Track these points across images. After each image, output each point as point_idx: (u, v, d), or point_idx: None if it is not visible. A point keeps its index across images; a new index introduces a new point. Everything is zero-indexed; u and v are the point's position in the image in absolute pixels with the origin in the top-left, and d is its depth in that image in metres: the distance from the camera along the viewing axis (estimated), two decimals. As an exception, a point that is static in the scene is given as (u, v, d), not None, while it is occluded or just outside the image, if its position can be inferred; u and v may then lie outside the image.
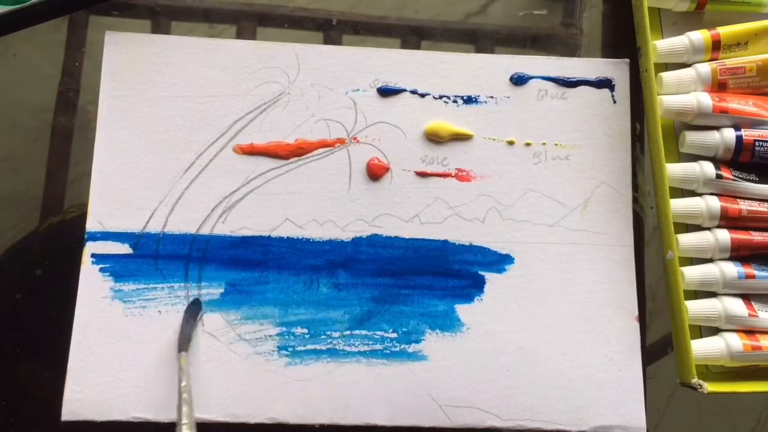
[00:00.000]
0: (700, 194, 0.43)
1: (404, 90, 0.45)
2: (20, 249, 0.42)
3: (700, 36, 0.44)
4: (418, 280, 0.42)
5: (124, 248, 0.41)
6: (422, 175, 0.44)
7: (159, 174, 0.42)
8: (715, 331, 0.42)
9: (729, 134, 0.42)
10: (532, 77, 0.45)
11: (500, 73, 0.45)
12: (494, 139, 0.44)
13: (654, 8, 0.46)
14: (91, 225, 0.41)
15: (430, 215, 0.43)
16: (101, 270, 0.41)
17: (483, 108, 0.45)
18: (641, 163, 0.46)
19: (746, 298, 0.42)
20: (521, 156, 0.44)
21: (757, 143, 0.42)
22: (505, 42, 0.48)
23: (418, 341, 0.42)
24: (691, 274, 0.41)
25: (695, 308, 0.41)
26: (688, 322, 0.41)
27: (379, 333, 0.41)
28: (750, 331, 0.41)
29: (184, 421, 0.36)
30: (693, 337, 0.41)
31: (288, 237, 0.42)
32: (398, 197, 0.43)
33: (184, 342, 0.39)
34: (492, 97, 0.45)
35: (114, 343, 0.40)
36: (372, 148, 0.44)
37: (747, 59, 0.43)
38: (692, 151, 0.43)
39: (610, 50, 0.48)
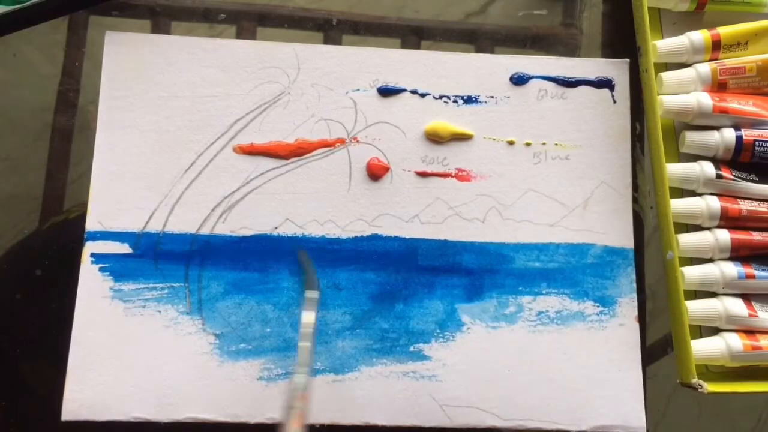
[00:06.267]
0: (700, 194, 0.43)
1: (404, 90, 0.45)
2: (20, 249, 0.42)
3: (700, 36, 0.44)
4: (419, 280, 0.42)
5: (124, 248, 0.41)
6: (422, 175, 0.44)
7: (159, 174, 0.42)
8: (715, 331, 0.42)
9: (729, 134, 0.42)
10: (532, 77, 0.45)
11: (500, 73, 0.45)
12: (494, 139, 0.44)
13: (654, 8, 0.46)
14: (91, 225, 0.41)
15: (430, 215, 0.43)
16: (101, 270, 0.41)
17: (483, 108, 0.45)
18: (641, 163, 0.46)
19: (746, 298, 0.42)
20: (521, 156, 0.44)
21: (757, 143, 0.42)
22: (505, 42, 0.48)
23: (418, 341, 0.42)
24: (691, 274, 0.41)
25: (695, 308, 0.41)
26: (688, 322, 0.41)
27: (379, 333, 0.41)
28: (750, 331, 0.41)
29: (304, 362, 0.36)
30: (693, 337, 0.41)
31: (288, 237, 0.42)
32: (398, 197, 0.43)
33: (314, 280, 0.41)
34: (492, 97, 0.45)
35: (114, 343, 0.40)
36: (372, 148, 0.44)
37: (747, 59, 0.43)
38: (692, 151, 0.43)
39: (610, 50, 0.48)
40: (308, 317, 0.39)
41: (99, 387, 0.39)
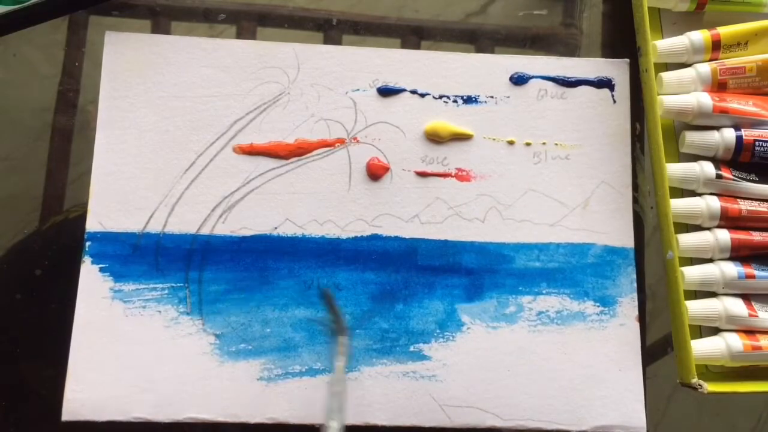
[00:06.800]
0: (700, 194, 0.43)
1: (404, 90, 0.45)
2: (20, 249, 0.42)
3: (700, 36, 0.44)
4: (419, 280, 0.42)
5: (124, 248, 0.41)
6: (422, 175, 0.44)
7: (159, 174, 0.42)
8: (715, 331, 0.42)
9: (729, 134, 0.42)
10: (532, 77, 0.45)
11: (500, 73, 0.45)
12: (494, 139, 0.44)
13: (654, 8, 0.46)
14: (91, 225, 0.41)
15: (430, 215, 0.43)
16: (101, 270, 0.41)
17: (483, 108, 0.45)
18: (641, 163, 0.46)
19: (746, 298, 0.42)
20: (521, 156, 0.44)
21: (757, 143, 0.42)
22: (505, 42, 0.48)
23: (418, 341, 0.42)
24: (691, 274, 0.41)
25: (695, 308, 0.41)
26: (688, 322, 0.41)
27: (379, 333, 0.41)
28: (750, 331, 0.41)
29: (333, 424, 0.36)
30: (693, 337, 0.41)
31: (288, 237, 0.42)
32: (398, 197, 0.43)
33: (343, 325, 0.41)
34: (492, 97, 0.45)
35: (114, 343, 0.40)
36: (372, 148, 0.44)
37: (747, 59, 0.43)
38: (692, 151, 0.43)
39: (610, 50, 0.48)
40: (340, 365, 0.39)
41: (99, 387, 0.39)
